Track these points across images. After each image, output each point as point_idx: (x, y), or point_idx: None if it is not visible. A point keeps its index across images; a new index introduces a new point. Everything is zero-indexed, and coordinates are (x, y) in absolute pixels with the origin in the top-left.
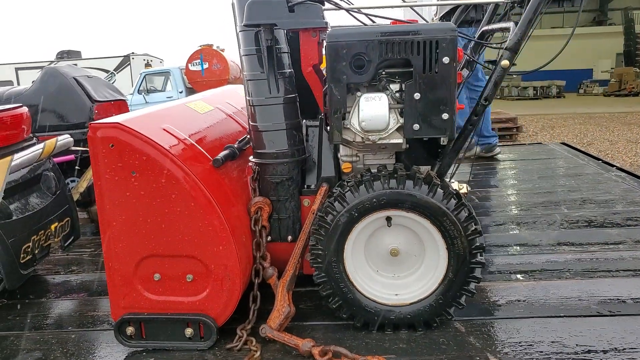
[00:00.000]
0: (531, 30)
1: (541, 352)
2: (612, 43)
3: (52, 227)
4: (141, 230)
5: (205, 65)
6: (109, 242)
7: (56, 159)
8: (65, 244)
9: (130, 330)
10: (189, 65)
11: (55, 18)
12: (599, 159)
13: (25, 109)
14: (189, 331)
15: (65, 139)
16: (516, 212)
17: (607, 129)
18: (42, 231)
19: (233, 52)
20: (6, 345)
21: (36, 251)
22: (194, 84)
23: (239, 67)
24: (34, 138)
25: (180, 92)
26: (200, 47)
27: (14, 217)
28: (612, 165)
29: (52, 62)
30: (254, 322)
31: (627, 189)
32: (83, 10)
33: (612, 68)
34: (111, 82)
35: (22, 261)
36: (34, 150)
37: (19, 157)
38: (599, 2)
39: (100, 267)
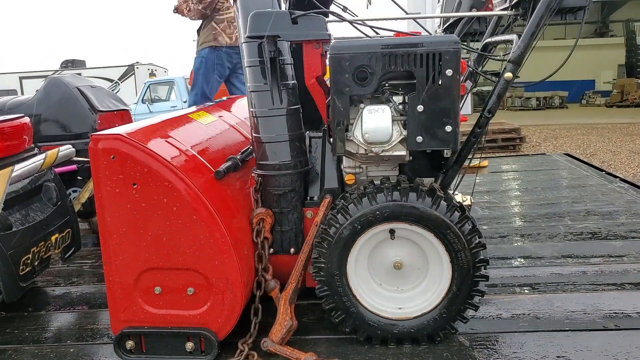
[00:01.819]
0: (534, 42)
1: None
2: (614, 54)
3: (53, 238)
4: (142, 242)
5: None
6: (109, 254)
7: (58, 169)
8: (66, 256)
9: (130, 344)
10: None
11: (60, 27)
12: (602, 170)
13: (26, 119)
14: (189, 345)
15: (67, 149)
16: (520, 223)
17: (609, 139)
18: (42, 242)
19: None
20: (4, 359)
21: (36, 263)
22: None
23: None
24: (36, 148)
25: (184, 102)
26: None
27: (14, 229)
28: (615, 177)
29: (56, 71)
30: (256, 336)
31: (630, 201)
32: (88, 19)
33: (614, 79)
34: (115, 91)
35: (21, 273)
36: (35, 161)
37: (20, 168)
38: (600, 14)
39: (101, 278)
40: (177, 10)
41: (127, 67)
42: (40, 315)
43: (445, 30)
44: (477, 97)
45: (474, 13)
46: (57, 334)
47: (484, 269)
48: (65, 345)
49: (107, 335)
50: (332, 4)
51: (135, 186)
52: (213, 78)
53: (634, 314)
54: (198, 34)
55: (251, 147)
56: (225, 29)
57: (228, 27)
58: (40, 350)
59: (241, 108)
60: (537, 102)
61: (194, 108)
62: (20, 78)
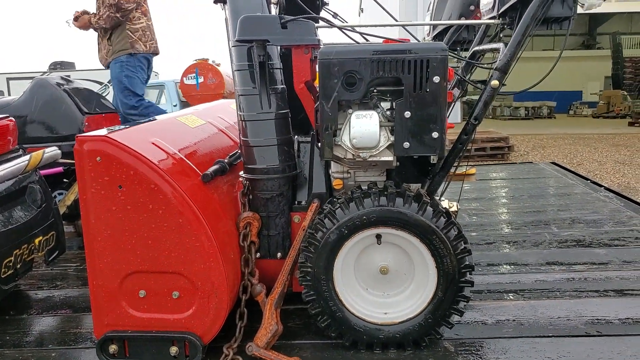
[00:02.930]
0: (520, 51)
1: None
2: (601, 66)
3: (36, 241)
4: (127, 245)
5: (201, 80)
6: (94, 258)
7: (43, 171)
8: (50, 259)
9: (113, 348)
10: (184, 79)
11: (49, 28)
12: (587, 179)
13: (11, 120)
14: (174, 349)
15: (52, 151)
16: (506, 230)
17: (595, 149)
18: (26, 245)
19: (229, 67)
20: None
21: (18, 266)
22: (189, 98)
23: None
24: (21, 149)
25: (175, 106)
26: (195, 62)
27: None
28: (601, 186)
29: (44, 72)
30: (241, 340)
31: (614, 209)
32: None
33: (600, 90)
34: (104, 94)
35: (3, 276)
36: (20, 162)
37: (3, 169)
38: (588, 27)
39: (85, 282)
40: (76, 20)
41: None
42: (22, 318)
43: (434, 38)
44: (467, 106)
45: (463, 21)
46: (38, 338)
47: (470, 275)
48: (47, 349)
49: (90, 339)
50: (323, 10)
51: (121, 188)
52: (136, 81)
53: (615, 320)
54: (109, 43)
55: (239, 151)
56: (140, 37)
57: (143, 35)
58: (21, 355)
59: (230, 112)
60: (526, 112)
61: (184, 111)
62: (8, 79)
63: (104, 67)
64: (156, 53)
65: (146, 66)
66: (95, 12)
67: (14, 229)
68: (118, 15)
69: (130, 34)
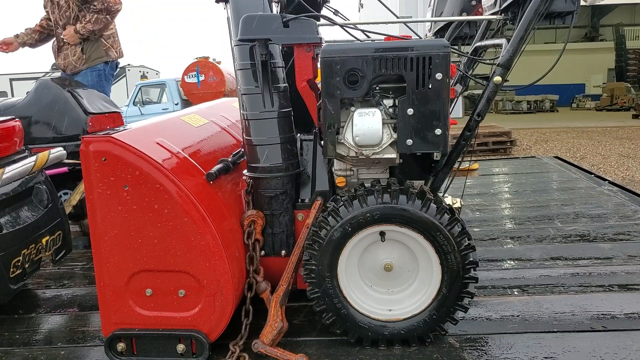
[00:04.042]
0: (523, 46)
1: None
2: (604, 58)
3: (43, 240)
4: (133, 244)
5: (202, 78)
6: (101, 257)
7: (49, 172)
8: (57, 258)
9: (121, 346)
10: (185, 77)
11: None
12: (591, 173)
13: (17, 122)
14: (180, 347)
15: (58, 151)
16: (510, 226)
17: (599, 143)
18: (33, 245)
19: (229, 65)
20: None
21: (26, 265)
22: (190, 96)
23: (235, 79)
24: (27, 150)
25: (176, 104)
26: (196, 60)
27: (4, 231)
28: (605, 180)
29: (46, 73)
30: (247, 338)
31: (619, 203)
32: None
33: (604, 83)
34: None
35: (11, 275)
36: (26, 163)
37: (11, 170)
38: (590, 18)
39: (92, 281)
40: (64, 36)
41: (118, 69)
42: (31, 317)
43: (435, 34)
44: (468, 101)
45: (464, 17)
46: (47, 336)
47: (474, 271)
48: (56, 347)
49: (98, 337)
50: (324, 8)
51: (126, 188)
52: (109, 88)
53: (621, 315)
54: (81, 50)
55: (242, 150)
56: (113, 44)
57: (114, 42)
58: (30, 353)
59: (233, 110)
60: (528, 106)
61: (187, 110)
62: (11, 80)
63: (65, 72)
64: (121, 57)
65: (115, 72)
66: (67, 21)
67: (21, 229)
68: (108, 17)
69: (104, 41)
